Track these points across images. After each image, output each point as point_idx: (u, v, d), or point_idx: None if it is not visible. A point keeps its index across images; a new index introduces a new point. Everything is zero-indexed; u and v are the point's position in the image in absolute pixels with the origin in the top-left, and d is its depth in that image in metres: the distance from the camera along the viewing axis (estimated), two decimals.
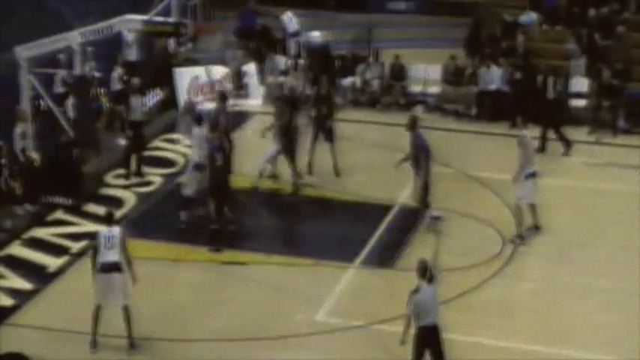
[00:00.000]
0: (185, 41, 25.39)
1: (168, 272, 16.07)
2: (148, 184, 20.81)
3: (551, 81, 23.36)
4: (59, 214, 19.24)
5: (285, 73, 26.43)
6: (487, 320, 15.44)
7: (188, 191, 18.76)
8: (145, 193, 20.34)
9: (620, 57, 24.91)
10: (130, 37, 24.48)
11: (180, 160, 21.96)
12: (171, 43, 25.64)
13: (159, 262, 16.97)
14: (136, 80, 21.78)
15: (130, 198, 20.02)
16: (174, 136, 23.24)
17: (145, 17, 19.62)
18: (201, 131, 18.88)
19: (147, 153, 21.87)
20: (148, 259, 16.38)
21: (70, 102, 21.14)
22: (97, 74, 22.06)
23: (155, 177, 21.12)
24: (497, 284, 16.58)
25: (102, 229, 14.88)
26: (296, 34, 27.53)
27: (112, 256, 14.40)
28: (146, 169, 21.20)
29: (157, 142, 23.02)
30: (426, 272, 13.10)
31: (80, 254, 17.62)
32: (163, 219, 19.12)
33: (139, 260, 15.04)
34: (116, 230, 14.60)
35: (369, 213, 19.21)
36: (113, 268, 14.40)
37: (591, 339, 14.97)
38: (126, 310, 14.54)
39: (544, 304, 16.07)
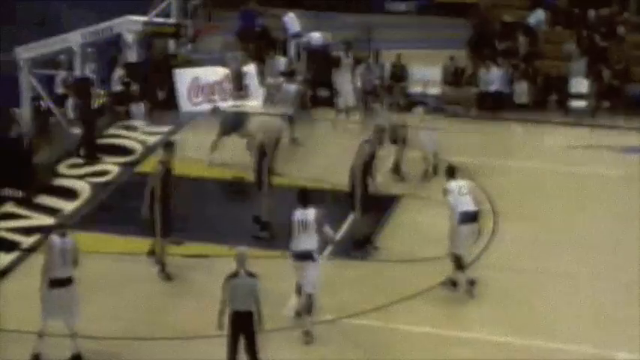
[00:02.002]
0: (185, 42, 25.45)
1: (127, 267, 15.32)
2: (103, 173, 19.92)
3: (525, 85, 23.27)
4: (9, 207, 18.33)
5: (285, 74, 26.49)
6: (464, 311, 15.05)
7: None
8: (100, 184, 19.41)
9: (620, 58, 24.93)
10: (130, 38, 24.47)
11: (138, 147, 21.06)
12: (172, 44, 25.67)
13: (117, 256, 16.10)
14: (134, 87, 21.74)
15: (84, 189, 19.20)
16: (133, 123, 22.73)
17: (145, 18, 19.64)
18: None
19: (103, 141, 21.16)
20: (106, 254, 15.70)
21: (70, 103, 21.18)
22: (91, 76, 22.02)
23: (111, 166, 20.19)
24: (474, 274, 15.68)
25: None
26: (297, 35, 27.52)
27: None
28: (102, 158, 20.39)
29: (113, 130, 22.10)
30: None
31: (31, 250, 16.58)
32: (120, 211, 18.05)
33: (96, 255, 14.46)
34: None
35: (337, 204, 17.66)
36: None
37: (570, 329, 14.47)
38: None
39: (522, 293, 15.53)
